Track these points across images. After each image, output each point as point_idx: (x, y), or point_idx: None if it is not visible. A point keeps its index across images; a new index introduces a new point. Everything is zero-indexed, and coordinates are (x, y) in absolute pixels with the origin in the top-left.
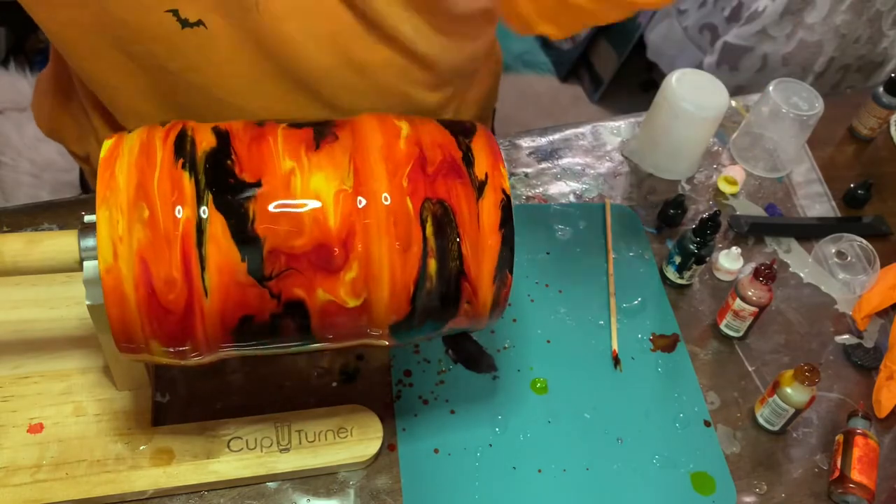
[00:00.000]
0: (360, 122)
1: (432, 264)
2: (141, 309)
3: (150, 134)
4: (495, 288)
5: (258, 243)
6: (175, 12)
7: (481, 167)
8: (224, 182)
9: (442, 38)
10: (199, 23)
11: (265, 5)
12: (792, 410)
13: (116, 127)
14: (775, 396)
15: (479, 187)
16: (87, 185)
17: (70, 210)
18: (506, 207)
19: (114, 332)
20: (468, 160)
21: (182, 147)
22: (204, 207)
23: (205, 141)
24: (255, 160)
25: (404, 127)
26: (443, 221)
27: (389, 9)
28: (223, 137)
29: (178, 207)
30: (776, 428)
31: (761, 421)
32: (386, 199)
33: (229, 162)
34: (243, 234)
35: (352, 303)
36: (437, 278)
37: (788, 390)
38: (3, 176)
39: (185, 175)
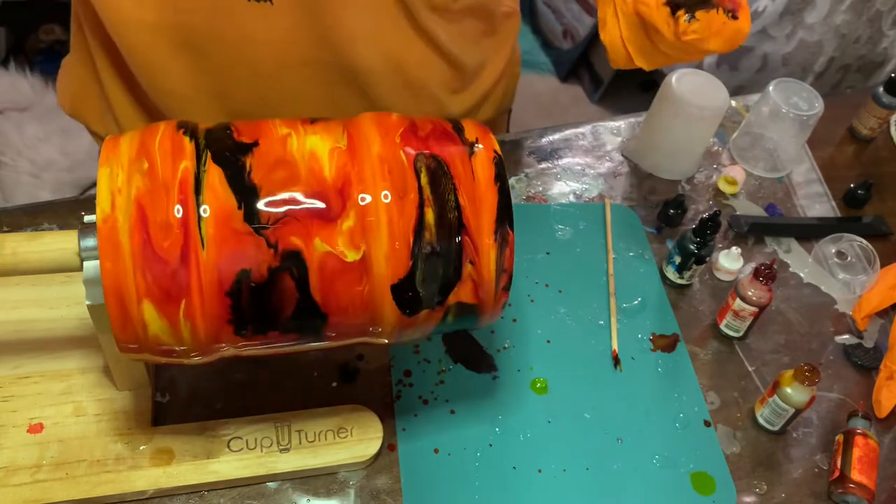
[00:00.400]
0: (354, 116)
1: (430, 213)
2: (135, 258)
3: (152, 127)
4: (497, 247)
5: (255, 191)
6: None
7: (471, 134)
8: (222, 142)
9: (462, 38)
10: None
11: None
12: (792, 410)
13: (137, 108)
14: (775, 396)
15: (471, 146)
16: None
17: (70, 210)
18: (498, 164)
19: (106, 292)
20: (458, 129)
21: (184, 123)
22: (203, 162)
23: (205, 126)
24: (252, 128)
25: (396, 115)
26: (437, 173)
27: (419, 3)
28: (223, 125)
29: (178, 161)
30: (776, 428)
31: (761, 421)
32: (379, 153)
33: (228, 130)
34: (240, 183)
35: (350, 255)
36: (437, 229)
37: (788, 390)
38: (3, 176)
39: (186, 139)
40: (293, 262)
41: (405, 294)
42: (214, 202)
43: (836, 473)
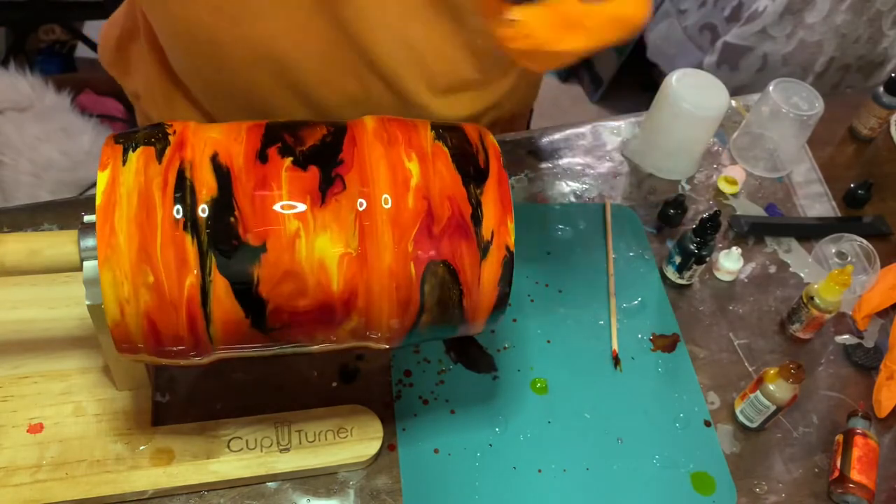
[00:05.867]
0: (368, 160)
1: (427, 316)
2: (149, 350)
3: (148, 178)
4: (491, 316)
5: (262, 304)
6: None
7: (489, 224)
8: (228, 244)
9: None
10: None
11: None
12: (773, 407)
13: (171, 71)
14: (757, 392)
15: (485, 248)
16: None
17: (70, 210)
18: (507, 264)
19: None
20: (476, 218)
21: (182, 199)
22: (208, 271)
23: (205, 188)
24: (258, 218)
25: (414, 172)
26: (445, 281)
27: None
28: (224, 180)
29: (184, 277)
30: (755, 425)
31: (741, 418)
32: (390, 267)
33: (232, 220)
34: (247, 297)
35: (350, 342)
36: (436, 323)
37: (772, 387)
38: (3, 176)
39: (188, 238)
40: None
41: (402, 337)
42: (221, 312)
43: (836, 473)
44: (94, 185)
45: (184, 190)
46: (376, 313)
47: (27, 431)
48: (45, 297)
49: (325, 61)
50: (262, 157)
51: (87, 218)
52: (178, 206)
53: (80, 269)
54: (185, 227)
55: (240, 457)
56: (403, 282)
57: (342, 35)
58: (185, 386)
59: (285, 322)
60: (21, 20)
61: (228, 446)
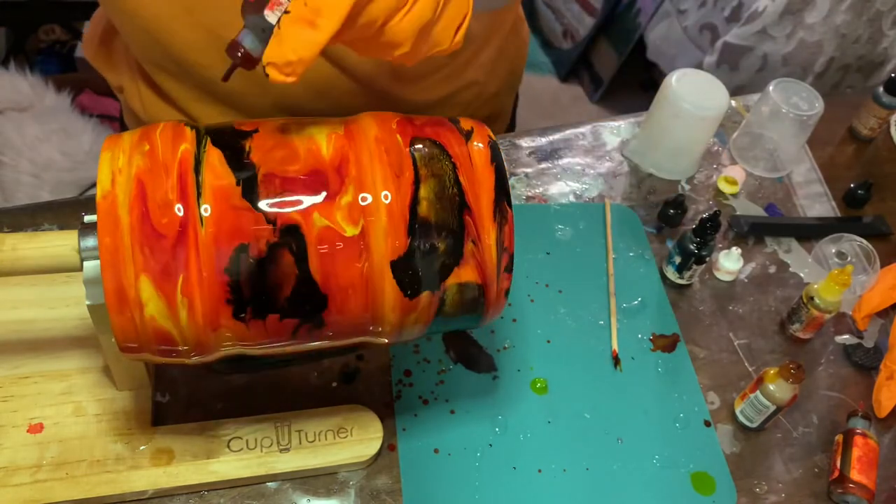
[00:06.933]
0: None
1: (425, 190)
2: (134, 233)
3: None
4: (497, 225)
5: (253, 168)
6: None
7: (467, 125)
8: (222, 129)
9: None
10: None
11: None
12: (773, 407)
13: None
14: (757, 392)
15: (467, 134)
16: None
17: (70, 210)
18: (494, 147)
19: (103, 267)
20: (453, 120)
21: (187, 121)
22: (203, 145)
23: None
24: (252, 122)
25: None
26: (434, 153)
27: None
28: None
29: (179, 144)
30: (755, 425)
31: (741, 418)
32: (376, 136)
33: (227, 123)
34: (239, 162)
35: (349, 230)
36: (437, 204)
37: (771, 387)
38: (3, 176)
39: (187, 128)
40: (292, 237)
41: (405, 272)
42: (213, 179)
43: (836, 473)
44: (94, 185)
45: (188, 121)
46: (370, 181)
47: (27, 431)
48: (45, 297)
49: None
50: None
51: (87, 218)
52: (181, 121)
53: (80, 269)
54: (185, 124)
55: (240, 457)
56: (392, 147)
57: None
58: (185, 386)
59: (278, 190)
60: (21, 20)
61: (228, 446)
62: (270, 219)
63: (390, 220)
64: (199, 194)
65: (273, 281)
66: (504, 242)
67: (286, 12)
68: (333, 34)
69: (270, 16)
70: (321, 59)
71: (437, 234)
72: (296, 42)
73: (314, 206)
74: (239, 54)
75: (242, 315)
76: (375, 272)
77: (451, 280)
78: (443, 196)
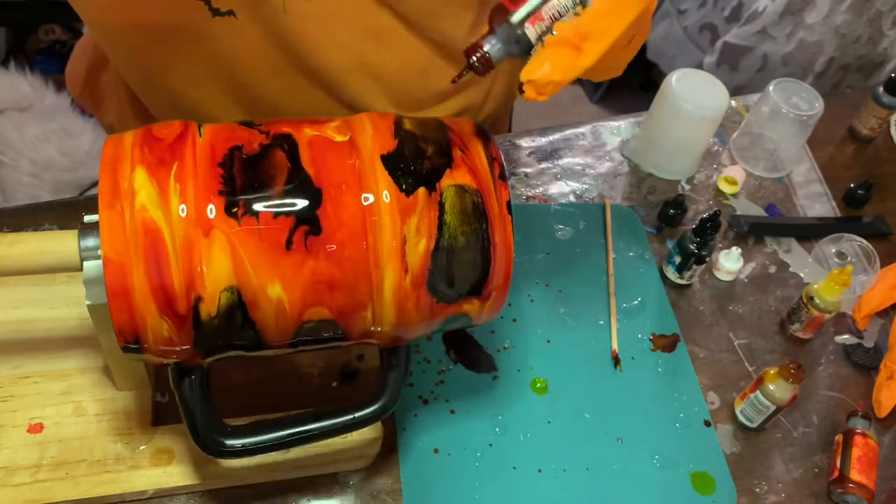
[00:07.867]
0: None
1: (409, 122)
2: (136, 138)
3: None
4: (481, 140)
5: (252, 123)
6: (207, 1)
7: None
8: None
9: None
10: (230, 12)
11: (291, 6)
12: (773, 407)
13: (142, 103)
14: (757, 392)
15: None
16: None
17: (70, 210)
18: (479, 126)
19: (102, 168)
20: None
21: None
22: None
23: None
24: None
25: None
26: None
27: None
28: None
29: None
30: (755, 425)
31: (741, 418)
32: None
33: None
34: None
35: (339, 138)
36: (418, 121)
37: (771, 387)
38: (3, 176)
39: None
40: (284, 140)
41: (396, 164)
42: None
43: (836, 473)
44: (94, 184)
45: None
46: (357, 123)
47: (27, 431)
48: (45, 297)
49: (278, 85)
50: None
51: (88, 218)
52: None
53: (80, 269)
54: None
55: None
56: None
57: (290, 58)
58: None
59: (270, 122)
60: (21, 20)
61: None
62: (263, 131)
63: (376, 129)
64: (199, 135)
65: (266, 172)
66: (492, 153)
67: (551, 33)
68: (596, 61)
69: (530, 30)
70: (320, 91)
71: (422, 140)
72: (561, 64)
73: (305, 124)
74: (476, 57)
75: (235, 210)
76: (367, 165)
77: (447, 181)
78: (424, 119)
